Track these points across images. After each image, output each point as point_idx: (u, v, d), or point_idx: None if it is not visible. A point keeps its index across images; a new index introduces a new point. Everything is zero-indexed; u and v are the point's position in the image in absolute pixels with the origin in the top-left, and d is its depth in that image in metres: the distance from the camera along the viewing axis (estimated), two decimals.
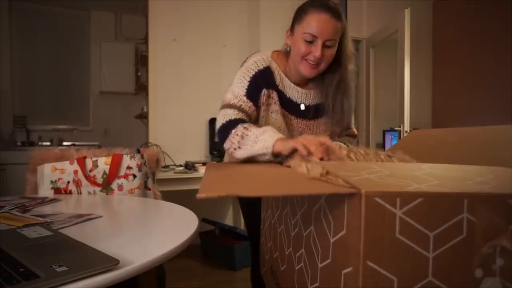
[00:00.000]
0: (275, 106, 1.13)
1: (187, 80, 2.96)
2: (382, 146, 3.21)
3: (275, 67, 1.14)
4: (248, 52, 3.07)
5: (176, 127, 2.92)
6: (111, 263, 0.51)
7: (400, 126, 2.89)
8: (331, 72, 1.11)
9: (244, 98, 1.07)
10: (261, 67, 1.11)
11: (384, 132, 3.17)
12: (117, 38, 4.35)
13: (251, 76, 1.09)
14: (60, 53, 4.15)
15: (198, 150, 2.98)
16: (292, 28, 1.10)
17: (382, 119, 3.40)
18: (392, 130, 3.07)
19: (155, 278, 1.07)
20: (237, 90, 1.08)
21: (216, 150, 2.92)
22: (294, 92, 1.16)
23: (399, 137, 2.89)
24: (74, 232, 0.70)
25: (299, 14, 1.06)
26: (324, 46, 1.03)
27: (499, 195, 0.41)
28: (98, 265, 0.50)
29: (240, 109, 1.06)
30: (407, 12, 2.80)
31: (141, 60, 3.71)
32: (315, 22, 1.01)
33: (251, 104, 1.07)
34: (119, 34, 4.36)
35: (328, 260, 0.47)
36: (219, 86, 3.04)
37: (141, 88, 3.73)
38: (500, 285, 0.41)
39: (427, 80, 3.51)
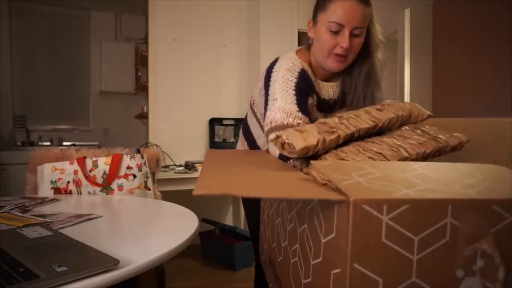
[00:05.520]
0: (313, 112, 1.04)
1: (187, 80, 2.96)
2: None
3: (307, 68, 1.03)
4: (248, 52, 3.07)
5: (176, 127, 2.92)
6: (111, 263, 0.52)
7: None
8: (358, 62, 1.03)
9: (299, 114, 0.93)
10: (296, 73, 1.00)
11: None
12: (117, 38, 4.35)
13: (294, 87, 0.97)
14: (60, 53, 4.15)
15: (198, 150, 2.98)
16: (314, 18, 1.01)
17: None
18: None
19: (155, 278, 1.07)
20: (287, 107, 0.93)
21: None
22: (324, 90, 1.08)
23: None
24: (74, 232, 0.70)
25: (323, 1, 0.97)
26: (352, 35, 0.94)
27: (483, 200, 0.43)
28: (98, 265, 0.50)
29: None
30: (407, 12, 2.80)
31: (141, 60, 3.71)
32: (341, 9, 0.92)
33: (307, 119, 0.95)
34: (119, 34, 4.36)
35: (320, 259, 0.49)
36: (219, 86, 3.05)
37: (141, 88, 3.73)
38: (480, 283, 0.43)
39: (427, 80, 3.51)
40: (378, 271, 0.41)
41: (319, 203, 0.50)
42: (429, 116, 0.81)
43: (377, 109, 0.77)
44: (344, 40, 0.94)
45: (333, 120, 0.74)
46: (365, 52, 1.01)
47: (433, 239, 0.42)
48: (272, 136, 0.85)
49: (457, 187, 0.47)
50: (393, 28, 2.98)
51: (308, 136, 0.69)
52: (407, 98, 2.85)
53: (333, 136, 0.69)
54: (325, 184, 0.52)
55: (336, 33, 0.95)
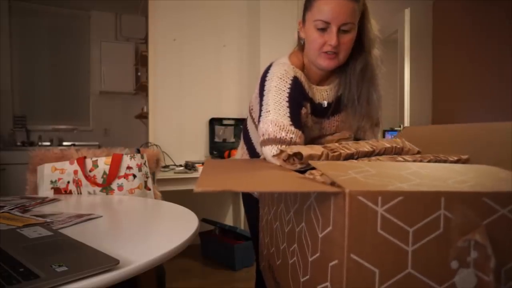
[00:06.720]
0: (308, 120, 1.02)
1: (187, 80, 2.96)
2: None
3: (300, 74, 1.01)
4: (248, 52, 3.07)
5: (176, 127, 2.92)
6: (111, 263, 0.52)
7: (400, 126, 2.89)
8: (353, 59, 1.00)
9: (292, 128, 0.93)
10: (289, 82, 0.97)
11: (384, 132, 3.17)
12: (117, 38, 4.35)
13: (287, 98, 0.95)
14: (60, 53, 4.15)
15: (198, 150, 2.98)
16: (303, 18, 0.99)
17: (382, 118, 3.40)
18: (392, 130, 3.07)
19: (155, 278, 1.07)
20: (280, 120, 0.93)
21: (216, 150, 2.92)
22: (318, 95, 1.05)
23: None
24: (74, 232, 0.70)
25: (308, 0, 0.96)
26: (340, 31, 0.92)
27: (474, 193, 0.44)
28: (98, 265, 0.50)
29: (292, 143, 0.92)
30: (407, 12, 2.80)
31: (141, 60, 3.71)
32: (325, 6, 0.91)
33: (300, 133, 0.94)
34: (119, 34, 4.36)
35: (317, 254, 0.50)
36: (219, 86, 3.04)
37: (141, 88, 3.73)
38: (474, 275, 0.44)
39: (427, 80, 3.51)
40: (374, 261, 0.42)
41: (316, 199, 0.51)
42: (418, 152, 0.85)
43: (374, 140, 0.85)
44: (331, 37, 0.92)
45: (333, 145, 0.79)
46: (359, 48, 0.99)
47: (427, 230, 0.43)
48: (274, 151, 0.88)
49: (450, 182, 0.48)
50: (393, 28, 2.98)
51: (313, 148, 0.73)
52: (407, 98, 2.85)
53: (335, 153, 0.73)
54: (323, 182, 0.53)
55: (323, 30, 0.93)
